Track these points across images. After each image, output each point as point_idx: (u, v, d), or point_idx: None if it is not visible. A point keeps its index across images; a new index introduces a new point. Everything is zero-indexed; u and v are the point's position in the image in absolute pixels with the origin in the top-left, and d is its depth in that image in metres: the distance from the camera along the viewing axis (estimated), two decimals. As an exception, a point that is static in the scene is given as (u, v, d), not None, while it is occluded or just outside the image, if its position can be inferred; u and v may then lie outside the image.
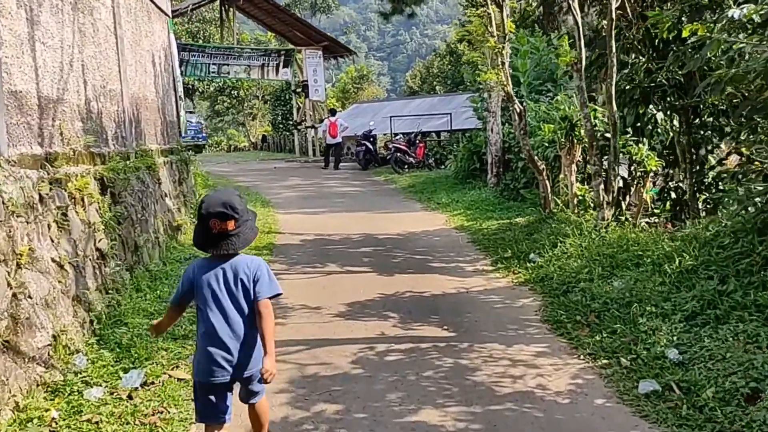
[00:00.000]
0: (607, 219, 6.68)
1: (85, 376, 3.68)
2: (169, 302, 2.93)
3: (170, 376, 3.78)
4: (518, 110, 8.89)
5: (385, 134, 21.33)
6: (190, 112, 28.94)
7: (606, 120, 9.57)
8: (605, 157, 7.32)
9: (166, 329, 2.96)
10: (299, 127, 23.07)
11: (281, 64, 21.22)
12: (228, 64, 20.05)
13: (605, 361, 3.94)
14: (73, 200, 4.53)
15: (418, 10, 23.67)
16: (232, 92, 32.97)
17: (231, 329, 2.63)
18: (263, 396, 2.84)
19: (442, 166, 19.55)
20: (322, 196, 13.51)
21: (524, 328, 4.78)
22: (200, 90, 31.04)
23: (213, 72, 19.88)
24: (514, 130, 11.93)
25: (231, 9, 19.67)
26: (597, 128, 8.97)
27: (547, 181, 8.95)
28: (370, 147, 19.40)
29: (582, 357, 4.08)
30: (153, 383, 3.69)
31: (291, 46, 21.49)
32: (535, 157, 9.08)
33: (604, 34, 7.27)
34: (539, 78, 13.16)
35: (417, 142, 18.60)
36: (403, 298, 5.72)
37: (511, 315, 5.16)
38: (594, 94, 12.53)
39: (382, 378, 3.85)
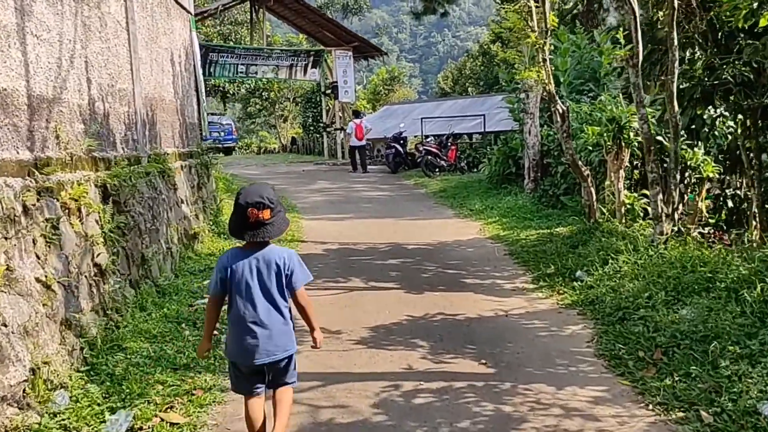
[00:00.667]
0: (666, 233, 5.94)
1: (64, 419, 3.17)
2: (209, 294, 2.94)
3: (162, 420, 3.25)
4: (561, 111, 8.17)
5: (415, 136, 20.72)
6: (221, 114, 28.86)
7: (654, 122, 8.84)
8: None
9: (212, 332, 2.97)
10: (328, 129, 22.62)
11: (310, 65, 20.80)
12: (256, 65, 19.72)
13: (681, 414, 3.25)
14: (66, 211, 4.06)
15: (451, 9, 23.02)
16: (263, 94, 32.76)
17: (260, 316, 2.75)
18: (292, 386, 2.94)
19: (474, 170, 18.87)
20: (349, 200, 12.98)
21: (576, 364, 4.11)
22: (231, 92, 30.90)
23: (241, 72, 19.58)
24: (556, 133, 11.21)
25: (261, 10, 19.35)
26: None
27: (592, 188, 8.22)
28: (400, 149, 18.81)
29: (650, 407, 3.39)
30: (141, 429, 3.16)
31: (321, 47, 21.07)
32: (579, 162, 8.37)
33: (660, 26, 6.56)
34: (580, 77, 12.36)
35: (449, 144, 17.94)
36: (433, 322, 5.11)
37: (560, 346, 4.49)
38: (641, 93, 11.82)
39: (408, 429, 3.25)
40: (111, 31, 5.45)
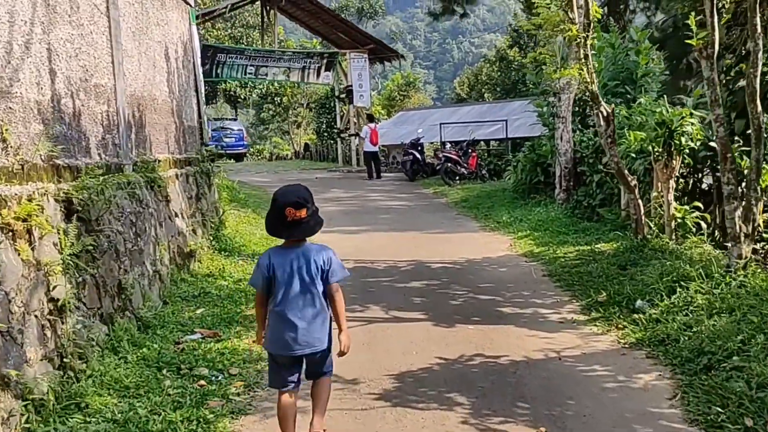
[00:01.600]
0: (746, 257, 4.95)
1: None
2: (256, 287, 3.01)
3: None
4: (605, 113, 7.21)
5: (432, 143, 19.79)
6: (232, 119, 28.16)
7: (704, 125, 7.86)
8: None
9: (264, 323, 3.01)
10: (342, 135, 21.79)
11: (323, 68, 19.99)
12: (266, 66, 18.95)
13: None
14: (10, 234, 3.20)
15: (470, 10, 22.12)
16: (275, 98, 32.08)
17: (299, 310, 2.87)
18: (328, 377, 3.05)
19: (495, 178, 17.91)
20: (365, 210, 12.07)
21: (665, 436, 3.15)
22: (243, 97, 30.23)
23: (250, 73, 18.82)
24: (590, 138, 10.24)
25: (272, 10, 18.59)
26: (698, 136, 7.26)
27: (639, 200, 7.24)
28: (418, 156, 17.91)
29: None
30: None
31: (335, 50, 20.27)
32: (625, 171, 7.40)
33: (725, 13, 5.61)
34: (615, 78, 11.36)
35: (469, 151, 17.01)
36: (471, 368, 4.17)
37: (635, 405, 3.53)
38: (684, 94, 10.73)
39: None
40: (85, 16, 4.61)
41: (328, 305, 2.96)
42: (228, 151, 26.16)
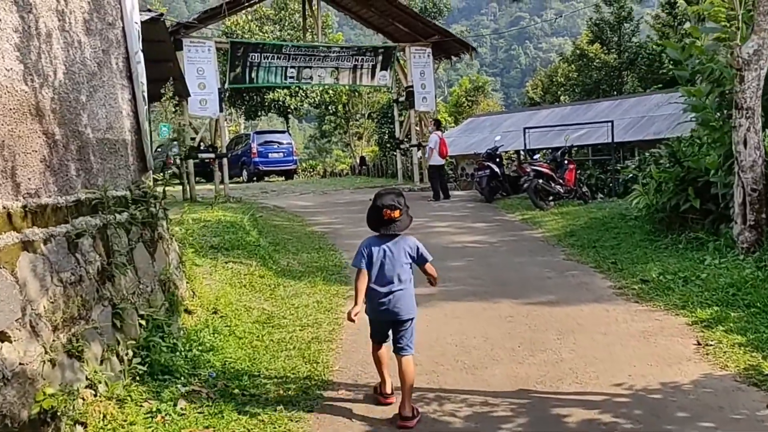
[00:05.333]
0: None
1: None
2: (360, 266, 3.63)
3: None
4: None
5: (506, 152, 15.85)
6: (281, 132, 25.27)
7: None
8: None
9: (363, 298, 3.61)
10: (402, 147, 18.27)
11: (378, 66, 16.52)
12: (310, 67, 15.68)
13: None
14: None
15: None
16: (329, 107, 29.03)
17: (391, 286, 3.59)
18: (410, 354, 3.65)
19: (600, 196, 13.82)
20: (431, 253, 8.42)
21: None
22: (293, 107, 27.31)
23: (291, 77, 15.61)
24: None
25: (314, 0, 15.39)
26: None
27: None
28: (496, 170, 14.07)
29: None
30: None
31: (391, 44, 16.77)
32: None
33: None
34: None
35: (565, 162, 13.04)
36: None
37: None
38: None
39: None
40: None
41: (411, 282, 3.68)
42: (275, 168, 23.29)
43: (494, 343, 4.80)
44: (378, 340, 3.76)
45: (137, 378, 3.70)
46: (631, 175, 13.39)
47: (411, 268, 3.66)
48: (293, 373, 4.22)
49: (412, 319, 3.65)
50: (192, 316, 4.73)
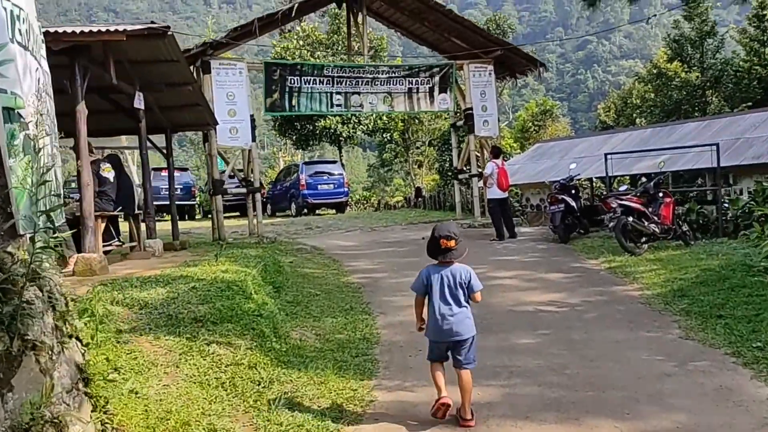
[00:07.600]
0: None
1: None
2: (416, 293, 4.13)
3: None
4: None
5: (578, 180, 13.58)
6: (332, 162, 23.82)
7: None
8: None
9: (423, 316, 4.14)
10: (460, 176, 16.24)
11: (437, 88, 14.64)
12: (359, 93, 14.00)
13: None
14: None
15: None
16: (384, 135, 27.43)
17: (449, 310, 3.95)
18: (470, 368, 3.98)
19: (703, 237, 11.23)
20: (491, 322, 6.31)
21: None
22: (345, 135, 25.87)
23: (338, 104, 13.99)
24: None
25: (359, 14, 13.77)
26: None
27: None
28: (572, 204, 11.80)
29: None
30: None
31: (447, 61, 14.92)
32: None
33: None
34: None
35: (660, 195, 10.63)
36: None
37: None
38: None
39: None
40: None
41: (468, 305, 4.05)
42: (325, 201, 21.77)
43: None
44: (435, 358, 4.09)
45: None
46: (743, 209, 10.85)
47: (466, 292, 4.04)
48: None
49: (473, 337, 4.01)
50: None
